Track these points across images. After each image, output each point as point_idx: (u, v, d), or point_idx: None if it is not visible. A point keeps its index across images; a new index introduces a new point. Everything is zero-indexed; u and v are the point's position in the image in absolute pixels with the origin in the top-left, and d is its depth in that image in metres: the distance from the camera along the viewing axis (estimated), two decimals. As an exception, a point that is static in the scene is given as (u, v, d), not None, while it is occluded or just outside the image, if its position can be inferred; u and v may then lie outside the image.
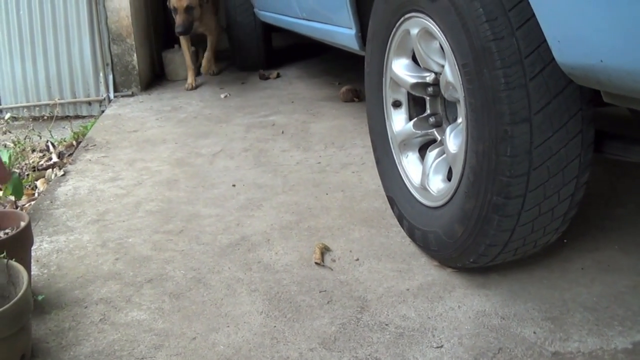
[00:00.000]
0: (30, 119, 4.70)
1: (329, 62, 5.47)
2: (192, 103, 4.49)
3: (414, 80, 1.94)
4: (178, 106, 4.42)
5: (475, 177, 1.57)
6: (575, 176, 1.54)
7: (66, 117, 4.71)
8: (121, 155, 3.31)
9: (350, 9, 2.58)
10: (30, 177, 3.10)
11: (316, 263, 2.01)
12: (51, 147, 3.62)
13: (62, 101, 4.75)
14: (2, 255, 1.62)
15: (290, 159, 3.05)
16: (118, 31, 4.84)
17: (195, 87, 4.96)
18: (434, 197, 1.88)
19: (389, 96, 2.11)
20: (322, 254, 2.05)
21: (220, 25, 5.52)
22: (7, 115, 4.40)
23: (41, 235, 2.33)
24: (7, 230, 1.85)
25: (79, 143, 3.68)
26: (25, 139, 3.59)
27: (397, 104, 2.11)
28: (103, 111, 4.61)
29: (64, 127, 4.27)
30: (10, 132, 3.68)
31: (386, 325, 1.67)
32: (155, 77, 5.47)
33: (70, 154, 3.48)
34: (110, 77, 4.88)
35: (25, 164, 3.29)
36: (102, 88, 4.85)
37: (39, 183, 3.05)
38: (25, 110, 4.79)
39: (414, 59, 1.96)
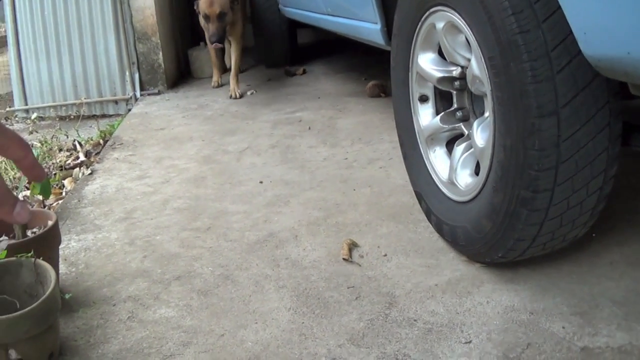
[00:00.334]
0: (57, 119, 4.77)
1: (355, 57, 5.47)
2: (219, 100, 4.51)
3: (440, 75, 1.93)
4: (204, 104, 4.45)
5: (503, 171, 1.56)
6: (604, 169, 1.52)
7: (93, 116, 4.76)
8: (148, 153, 3.34)
9: (375, 3, 2.58)
10: (57, 176, 3.14)
11: (344, 259, 2.00)
12: (78, 146, 3.65)
13: (88, 100, 4.80)
14: (30, 254, 1.63)
15: (317, 155, 3.05)
16: (143, 30, 4.88)
17: (221, 85, 4.98)
18: (461, 191, 1.87)
19: (415, 91, 2.10)
20: (350, 250, 2.05)
21: (245, 32, 5.06)
22: (34, 115, 4.47)
23: (69, 234, 2.36)
24: (34, 230, 1.86)
25: (106, 142, 3.71)
26: (52, 138, 3.63)
27: (423, 99, 2.10)
28: (130, 110, 4.66)
29: (90, 126, 4.32)
30: (37, 132, 3.73)
31: (414, 320, 1.67)
32: (181, 75, 5.50)
33: (98, 153, 3.52)
34: (136, 75, 4.93)
35: (53, 163, 3.33)
36: (129, 87, 4.90)
37: (66, 182, 3.08)
38: (51, 110, 4.85)
39: (440, 53, 1.95)
